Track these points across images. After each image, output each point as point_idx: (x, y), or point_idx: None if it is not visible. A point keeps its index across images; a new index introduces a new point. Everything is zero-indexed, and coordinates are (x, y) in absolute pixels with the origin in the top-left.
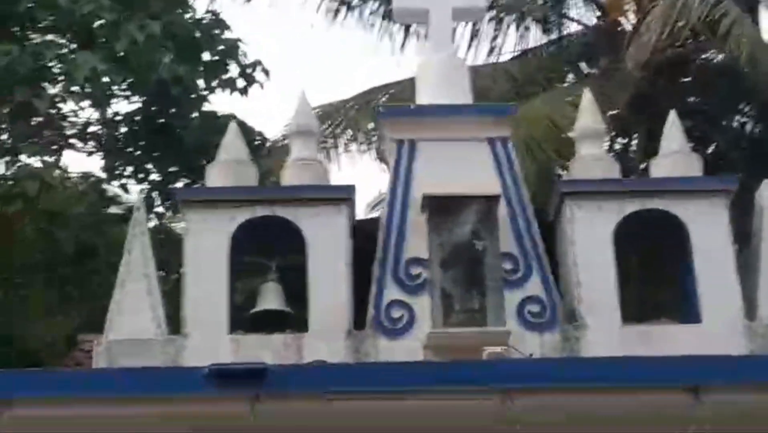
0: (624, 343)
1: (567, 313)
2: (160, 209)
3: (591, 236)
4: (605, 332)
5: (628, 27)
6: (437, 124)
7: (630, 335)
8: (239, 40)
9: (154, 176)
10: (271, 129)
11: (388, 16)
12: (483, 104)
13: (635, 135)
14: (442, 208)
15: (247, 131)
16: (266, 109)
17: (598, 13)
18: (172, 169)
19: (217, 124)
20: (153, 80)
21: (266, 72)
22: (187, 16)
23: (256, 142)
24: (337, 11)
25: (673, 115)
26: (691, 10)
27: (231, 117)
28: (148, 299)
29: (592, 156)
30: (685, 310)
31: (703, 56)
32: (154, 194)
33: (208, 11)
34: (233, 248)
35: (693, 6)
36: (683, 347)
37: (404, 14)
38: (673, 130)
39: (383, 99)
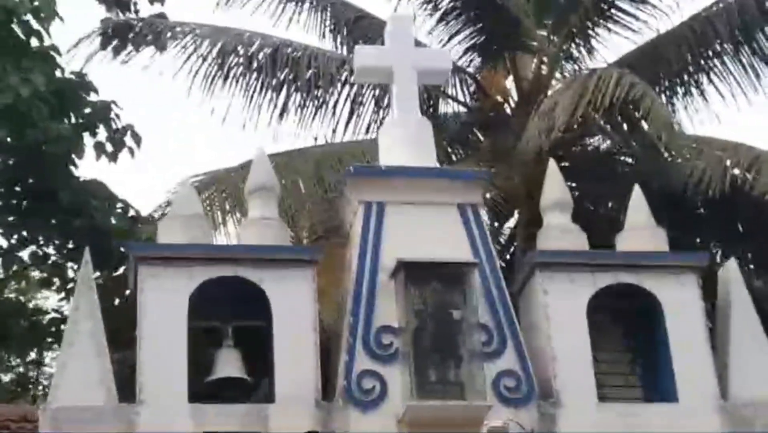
0: (601, 422)
1: (542, 388)
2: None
3: (564, 309)
4: (582, 410)
5: (509, 109)
6: (407, 187)
7: (607, 414)
8: (113, 102)
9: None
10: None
11: (268, 86)
12: (454, 169)
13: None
14: (417, 275)
15: (113, 199)
16: (141, 178)
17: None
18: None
19: (88, 188)
20: (29, 138)
21: (137, 138)
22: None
23: (130, 214)
24: (213, 78)
25: (637, 190)
26: (605, 93)
27: (98, 183)
28: (97, 361)
29: (560, 227)
30: (662, 388)
31: (590, 141)
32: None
33: (72, 72)
34: (190, 310)
35: (608, 88)
36: (660, 426)
37: (367, 73)
38: (638, 205)
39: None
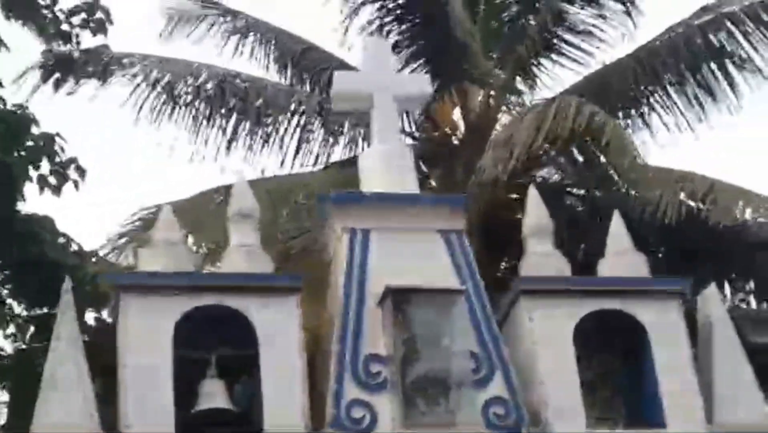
0: None
1: (531, 415)
2: None
3: (551, 335)
4: None
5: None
6: (390, 214)
7: None
8: (57, 134)
9: None
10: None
11: (216, 117)
12: (438, 195)
13: None
14: (405, 301)
15: (56, 234)
16: (84, 212)
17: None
18: None
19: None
20: None
21: (82, 171)
22: None
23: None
24: (160, 110)
25: (617, 216)
26: (566, 121)
27: (45, 217)
28: (80, 390)
29: (542, 253)
30: (649, 413)
31: (539, 173)
32: None
33: (14, 105)
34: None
35: (568, 116)
36: None
37: (345, 98)
38: (618, 231)
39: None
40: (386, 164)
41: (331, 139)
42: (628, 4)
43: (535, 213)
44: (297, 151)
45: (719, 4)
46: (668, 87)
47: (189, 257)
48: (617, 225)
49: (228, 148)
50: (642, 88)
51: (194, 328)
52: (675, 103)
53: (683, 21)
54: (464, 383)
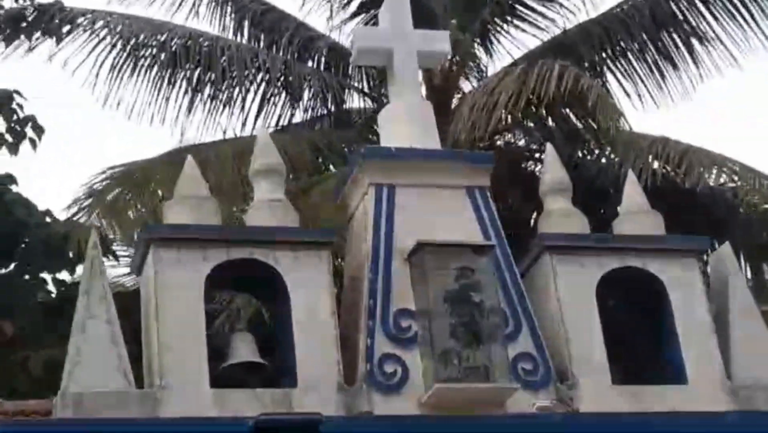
0: (616, 403)
1: (558, 371)
2: None
3: (575, 292)
4: (597, 392)
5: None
6: (416, 170)
7: (621, 396)
8: (15, 92)
9: None
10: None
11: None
12: (462, 151)
13: None
14: (436, 257)
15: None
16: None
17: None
18: None
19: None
20: None
21: (39, 129)
22: None
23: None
24: (120, 69)
25: (631, 175)
26: (549, 85)
27: (7, 176)
28: (113, 347)
29: (562, 211)
30: (671, 370)
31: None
32: None
33: None
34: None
35: (552, 80)
36: (671, 407)
37: (366, 54)
38: (632, 190)
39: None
40: (408, 120)
41: (293, 102)
42: None
43: (553, 171)
44: (259, 113)
45: None
46: (629, 54)
47: (215, 211)
48: (632, 185)
49: (189, 109)
50: (603, 55)
51: (222, 282)
52: (636, 71)
53: None
54: (494, 338)
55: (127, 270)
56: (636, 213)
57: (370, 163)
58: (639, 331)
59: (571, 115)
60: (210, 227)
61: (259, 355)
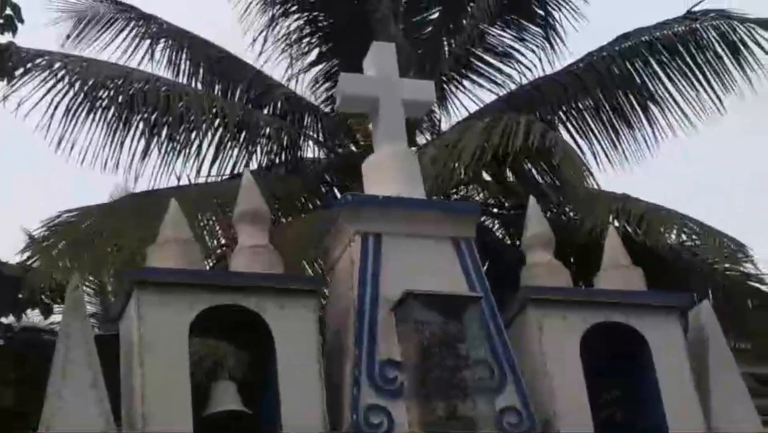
0: None
1: (542, 425)
2: None
3: (559, 346)
4: None
5: None
6: (402, 219)
7: None
8: None
9: None
10: None
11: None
12: (449, 202)
13: None
14: (423, 307)
15: None
16: None
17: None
18: None
19: None
20: None
21: None
22: None
23: None
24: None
25: (613, 231)
26: (516, 138)
27: None
28: (94, 392)
29: (545, 264)
30: (652, 425)
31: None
32: None
33: None
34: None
35: (518, 135)
36: None
37: (352, 102)
38: (614, 244)
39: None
40: (393, 168)
41: (249, 150)
42: (548, 29)
43: (536, 223)
44: (214, 160)
45: (638, 33)
46: (584, 112)
47: (200, 255)
48: (613, 239)
49: (144, 154)
50: (559, 112)
51: (204, 330)
52: (591, 129)
53: (603, 47)
54: (481, 391)
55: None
56: (618, 268)
57: (357, 210)
58: (620, 385)
59: (533, 171)
60: (196, 271)
61: (242, 403)
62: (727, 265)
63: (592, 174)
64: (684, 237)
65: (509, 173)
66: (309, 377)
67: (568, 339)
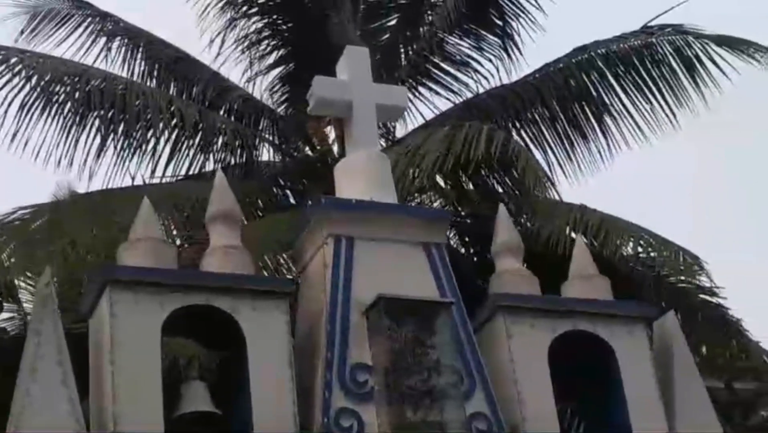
0: None
1: (510, 431)
2: None
3: (527, 354)
4: None
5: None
6: (374, 223)
7: None
8: None
9: None
10: None
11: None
12: (421, 207)
13: None
14: (395, 311)
15: None
16: None
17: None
18: None
19: None
20: None
21: None
22: None
23: None
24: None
25: (580, 242)
26: (478, 147)
27: None
28: (64, 390)
29: (514, 271)
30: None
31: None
32: None
33: None
34: None
35: (480, 142)
36: None
37: (325, 104)
38: (581, 255)
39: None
40: (365, 172)
41: (205, 151)
42: (506, 39)
43: (505, 231)
44: (169, 161)
45: (595, 45)
46: (540, 122)
47: (172, 255)
48: (580, 250)
49: (99, 152)
50: (514, 121)
51: (178, 327)
52: (546, 139)
53: (560, 58)
54: (451, 396)
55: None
56: (585, 277)
57: (330, 213)
58: (587, 393)
59: (490, 179)
60: (169, 271)
61: (212, 404)
62: (682, 277)
63: (553, 184)
64: (640, 249)
65: (466, 181)
66: (281, 379)
67: (536, 347)
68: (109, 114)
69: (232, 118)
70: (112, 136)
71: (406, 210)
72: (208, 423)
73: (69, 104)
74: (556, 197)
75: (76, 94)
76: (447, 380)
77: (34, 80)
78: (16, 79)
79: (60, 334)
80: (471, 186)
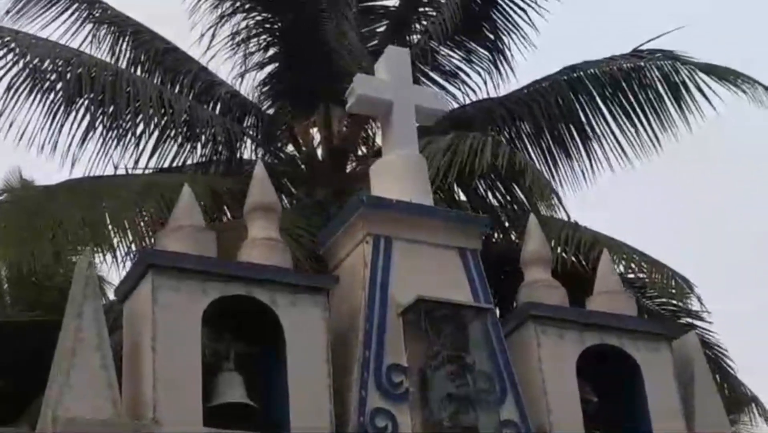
0: None
1: None
2: None
3: (558, 364)
4: None
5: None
6: (412, 225)
7: None
8: None
9: None
10: None
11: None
12: (460, 212)
13: None
14: (434, 314)
15: None
16: None
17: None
18: None
19: None
20: None
21: None
22: None
23: None
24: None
25: (606, 256)
26: (483, 158)
27: None
28: (104, 374)
29: (544, 282)
30: None
31: None
32: None
33: None
34: None
35: (485, 153)
36: None
37: (365, 103)
38: (607, 270)
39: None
40: (403, 174)
41: (191, 144)
42: (496, 53)
43: (535, 241)
44: (154, 152)
45: (585, 65)
46: (525, 137)
47: (213, 244)
48: (606, 265)
49: (83, 139)
50: (500, 134)
51: (214, 318)
52: (529, 155)
53: (549, 76)
54: (485, 402)
55: None
56: (610, 293)
57: (370, 212)
58: (611, 406)
59: (488, 192)
60: (212, 259)
61: (247, 396)
62: (673, 302)
63: (560, 199)
64: (630, 270)
65: (458, 191)
66: (318, 376)
67: (565, 357)
68: (99, 99)
69: (219, 114)
70: (99, 122)
71: (445, 214)
72: (237, 415)
73: (58, 88)
74: (567, 214)
75: (68, 76)
76: (481, 386)
77: (22, 62)
78: (3, 61)
79: (100, 317)
80: (463, 197)
